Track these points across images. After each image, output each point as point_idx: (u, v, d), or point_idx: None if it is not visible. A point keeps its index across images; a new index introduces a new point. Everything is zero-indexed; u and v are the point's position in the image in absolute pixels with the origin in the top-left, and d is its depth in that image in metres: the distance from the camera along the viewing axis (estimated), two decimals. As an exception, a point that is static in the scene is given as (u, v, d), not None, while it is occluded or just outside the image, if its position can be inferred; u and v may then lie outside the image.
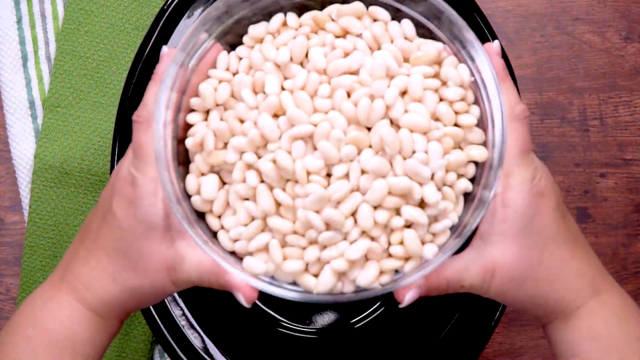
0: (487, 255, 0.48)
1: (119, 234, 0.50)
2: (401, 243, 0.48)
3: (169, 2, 0.62)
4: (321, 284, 0.48)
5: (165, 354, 0.69)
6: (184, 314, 0.63)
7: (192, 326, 0.63)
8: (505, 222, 0.48)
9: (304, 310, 0.68)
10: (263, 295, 0.68)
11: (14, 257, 0.72)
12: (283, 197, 0.48)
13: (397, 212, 0.48)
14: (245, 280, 0.48)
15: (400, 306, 0.48)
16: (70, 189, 0.71)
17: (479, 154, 0.49)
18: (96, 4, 0.72)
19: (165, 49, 0.53)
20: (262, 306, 0.68)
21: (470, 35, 0.49)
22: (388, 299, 0.68)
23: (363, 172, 0.48)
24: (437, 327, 0.64)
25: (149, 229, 0.49)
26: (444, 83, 0.50)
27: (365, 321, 0.68)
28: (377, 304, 0.68)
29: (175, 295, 0.64)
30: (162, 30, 0.62)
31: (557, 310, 0.50)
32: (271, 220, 0.48)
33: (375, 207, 0.48)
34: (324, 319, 0.68)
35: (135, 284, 0.50)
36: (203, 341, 0.62)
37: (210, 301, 0.65)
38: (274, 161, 0.48)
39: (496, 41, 0.52)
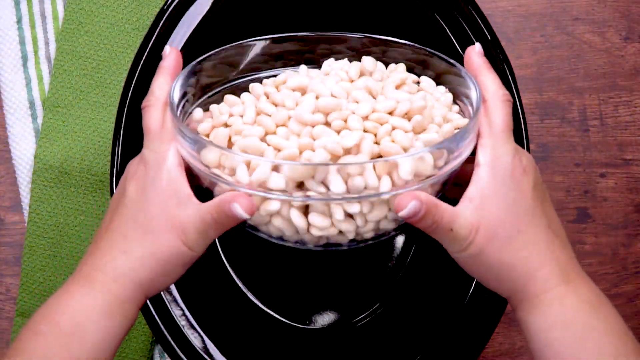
0: (475, 213, 0.51)
1: (130, 209, 0.52)
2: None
3: (169, 2, 0.62)
4: (316, 156, 0.49)
5: (165, 354, 0.69)
6: (184, 314, 0.63)
7: (192, 326, 0.63)
8: (490, 188, 0.51)
9: (304, 310, 0.68)
10: (263, 296, 0.68)
11: (14, 257, 0.72)
12: (282, 114, 0.52)
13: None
14: (242, 188, 0.50)
15: (400, 214, 0.49)
16: (70, 189, 0.71)
17: (459, 119, 0.55)
18: (96, 4, 0.72)
19: (167, 48, 0.57)
20: (262, 306, 0.68)
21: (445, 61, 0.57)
22: (387, 298, 0.68)
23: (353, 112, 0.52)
24: (437, 327, 0.64)
25: (156, 194, 0.51)
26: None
27: (365, 321, 0.68)
28: (376, 305, 0.68)
29: (176, 295, 0.64)
30: (162, 30, 0.62)
31: (527, 287, 0.51)
32: (270, 138, 0.51)
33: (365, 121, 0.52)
34: (324, 319, 0.68)
35: (146, 250, 0.51)
36: (203, 341, 0.62)
37: (210, 301, 0.65)
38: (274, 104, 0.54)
39: (477, 43, 0.57)
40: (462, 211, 0.51)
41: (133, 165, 0.54)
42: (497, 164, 0.52)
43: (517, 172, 0.52)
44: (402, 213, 0.49)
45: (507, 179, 0.52)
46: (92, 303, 0.51)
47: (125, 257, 0.51)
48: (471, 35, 0.62)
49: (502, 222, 0.51)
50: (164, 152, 0.53)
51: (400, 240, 0.69)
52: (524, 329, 0.53)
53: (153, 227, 0.51)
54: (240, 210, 0.49)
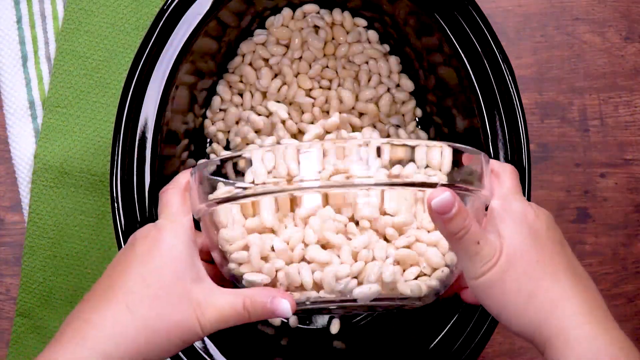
0: (497, 239, 0.51)
1: (138, 268, 0.49)
2: None
3: (169, 2, 0.62)
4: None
5: (165, 354, 0.69)
6: (184, 314, 0.63)
7: (192, 326, 0.63)
8: (505, 225, 0.51)
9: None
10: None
11: (14, 257, 0.72)
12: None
13: None
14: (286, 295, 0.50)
15: (433, 202, 0.48)
16: (70, 189, 0.71)
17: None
18: (96, 4, 0.72)
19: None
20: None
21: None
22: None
23: None
24: (437, 327, 0.64)
25: (171, 260, 0.49)
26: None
27: (365, 321, 0.68)
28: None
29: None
30: (162, 30, 0.62)
31: (551, 321, 0.49)
32: None
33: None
34: (324, 319, 0.68)
35: (153, 312, 0.47)
36: (203, 341, 0.62)
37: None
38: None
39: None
40: (487, 233, 0.51)
41: (144, 229, 0.52)
42: (509, 208, 0.52)
43: (530, 216, 0.52)
44: (435, 201, 0.48)
45: (520, 220, 0.52)
46: None
47: (129, 315, 0.47)
48: (471, 35, 0.62)
49: (520, 252, 0.50)
50: (183, 223, 0.51)
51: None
52: None
53: (165, 293, 0.48)
54: (287, 306, 0.49)
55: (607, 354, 0.47)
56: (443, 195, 0.48)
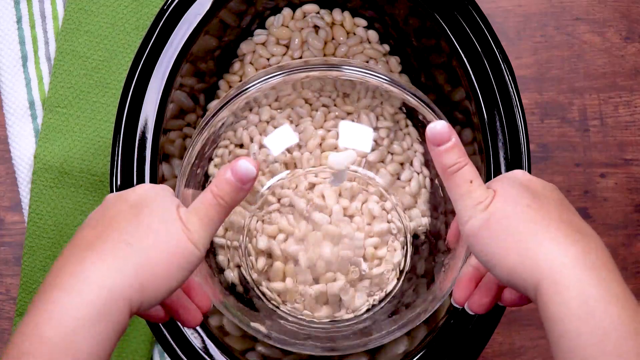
0: (492, 190, 0.51)
1: (132, 211, 0.48)
2: None
3: (169, 2, 0.62)
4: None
5: (165, 354, 0.69)
6: (184, 314, 0.63)
7: (192, 326, 0.63)
8: (496, 179, 0.52)
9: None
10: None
11: (14, 257, 0.72)
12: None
13: None
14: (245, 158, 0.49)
15: (430, 127, 0.49)
16: (70, 189, 0.71)
17: None
18: (96, 4, 0.72)
19: None
20: (262, 306, 0.68)
21: None
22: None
23: None
24: (437, 327, 0.64)
25: (161, 198, 0.49)
26: None
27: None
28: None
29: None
30: (162, 30, 0.62)
31: (540, 262, 0.46)
32: None
33: None
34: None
35: (151, 243, 0.47)
36: (203, 341, 0.62)
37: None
38: None
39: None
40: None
41: (135, 188, 0.52)
42: (504, 175, 0.52)
43: (526, 177, 0.51)
44: (431, 128, 0.49)
45: (515, 179, 0.51)
46: (83, 306, 0.44)
47: (128, 249, 0.47)
48: (471, 35, 0.62)
49: (512, 199, 0.49)
50: (165, 186, 0.52)
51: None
52: (544, 318, 0.47)
53: (157, 223, 0.48)
54: (246, 164, 0.48)
55: (600, 302, 0.45)
56: (439, 124, 0.49)
